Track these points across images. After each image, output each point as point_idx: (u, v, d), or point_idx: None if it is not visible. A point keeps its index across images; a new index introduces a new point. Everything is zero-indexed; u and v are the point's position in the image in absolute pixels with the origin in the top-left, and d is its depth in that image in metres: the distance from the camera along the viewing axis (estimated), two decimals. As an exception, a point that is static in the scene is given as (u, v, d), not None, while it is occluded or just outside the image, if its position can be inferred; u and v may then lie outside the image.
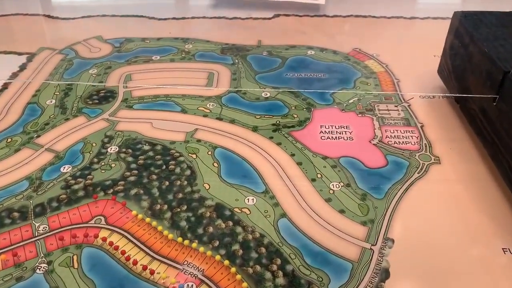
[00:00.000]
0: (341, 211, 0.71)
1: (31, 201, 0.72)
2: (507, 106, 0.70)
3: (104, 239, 0.65)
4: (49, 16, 1.38)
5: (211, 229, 0.68)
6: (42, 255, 0.63)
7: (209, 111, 0.94)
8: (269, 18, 1.37)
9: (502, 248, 0.64)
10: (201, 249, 0.64)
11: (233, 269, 0.61)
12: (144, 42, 1.23)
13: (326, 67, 1.10)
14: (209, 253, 0.63)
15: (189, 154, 0.82)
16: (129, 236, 0.66)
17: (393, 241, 0.66)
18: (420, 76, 1.06)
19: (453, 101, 0.94)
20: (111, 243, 0.65)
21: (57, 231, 0.67)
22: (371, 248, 0.64)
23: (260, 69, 1.10)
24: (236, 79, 1.06)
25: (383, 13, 1.41)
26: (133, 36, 1.25)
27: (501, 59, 0.74)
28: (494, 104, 0.74)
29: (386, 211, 0.70)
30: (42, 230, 0.67)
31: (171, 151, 0.83)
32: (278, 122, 0.91)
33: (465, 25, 0.87)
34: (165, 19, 1.36)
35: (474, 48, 0.83)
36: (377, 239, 0.66)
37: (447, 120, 0.91)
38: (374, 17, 1.39)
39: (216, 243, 0.65)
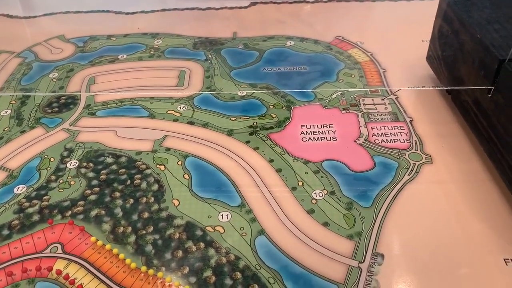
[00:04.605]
0: (325, 224, 0.64)
1: (-22, 231, 0.64)
2: (504, 99, 0.63)
3: (58, 272, 0.58)
4: (7, 16, 1.28)
5: (180, 253, 0.60)
6: (-12, 294, 0.56)
7: (179, 114, 0.86)
8: (245, 7, 1.28)
9: (504, 259, 0.58)
10: (168, 278, 0.57)
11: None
12: (110, 40, 1.13)
13: (306, 59, 1.02)
14: (176, 283, 0.56)
15: (157, 166, 0.74)
16: (88, 266, 0.59)
17: (382, 256, 0.59)
18: (408, 64, 0.98)
19: (445, 92, 0.87)
20: (66, 277, 0.58)
21: (6, 264, 0.60)
22: (358, 266, 0.58)
23: (236, 65, 1.01)
24: (209, 76, 0.97)
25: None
26: (99, 34, 1.16)
27: (495, 46, 0.67)
28: (489, 96, 0.67)
29: (374, 222, 0.64)
30: (-10, 264, 0.60)
31: (137, 163, 0.75)
32: (255, 123, 0.83)
33: (454, 8, 0.79)
34: (133, 13, 1.26)
35: (465, 34, 0.75)
36: (365, 255, 0.59)
37: (438, 113, 0.84)
38: (357, 0, 1.30)
39: (186, 270, 0.58)
